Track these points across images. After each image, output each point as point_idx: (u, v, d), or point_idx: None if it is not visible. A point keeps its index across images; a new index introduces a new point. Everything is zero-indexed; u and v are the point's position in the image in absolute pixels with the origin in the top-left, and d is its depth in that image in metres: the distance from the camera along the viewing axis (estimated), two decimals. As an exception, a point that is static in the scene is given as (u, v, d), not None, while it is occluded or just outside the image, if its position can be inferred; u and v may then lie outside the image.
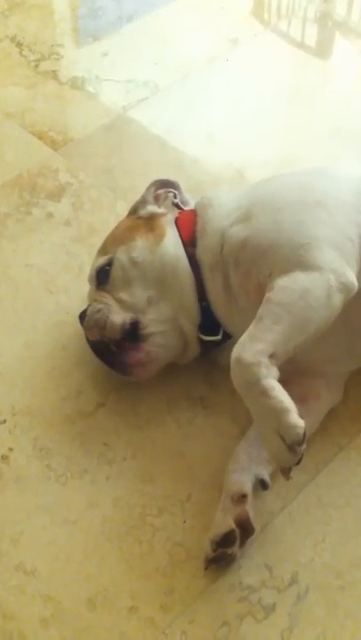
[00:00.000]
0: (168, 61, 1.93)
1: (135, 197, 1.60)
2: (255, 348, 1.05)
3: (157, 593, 1.08)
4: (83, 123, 1.77)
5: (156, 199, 1.33)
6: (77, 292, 1.40)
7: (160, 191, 1.34)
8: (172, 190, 1.34)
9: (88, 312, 1.24)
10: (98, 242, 1.48)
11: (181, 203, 1.32)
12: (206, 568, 1.09)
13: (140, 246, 1.26)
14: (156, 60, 1.92)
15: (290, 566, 1.10)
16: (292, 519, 1.15)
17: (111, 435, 1.24)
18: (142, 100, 1.82)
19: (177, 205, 1.32)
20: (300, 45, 2.02)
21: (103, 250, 1.32)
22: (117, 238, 1.31)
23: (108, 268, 1.26)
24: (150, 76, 1.88)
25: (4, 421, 1.25)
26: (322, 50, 2.05)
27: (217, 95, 1.85)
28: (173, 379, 1.31)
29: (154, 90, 1.85)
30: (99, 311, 1.22)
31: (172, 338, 1.24)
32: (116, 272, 1.25)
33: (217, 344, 1.25)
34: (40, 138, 1.72)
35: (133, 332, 1.21)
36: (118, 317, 1.21)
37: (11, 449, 1.22)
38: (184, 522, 1.14)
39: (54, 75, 1.88)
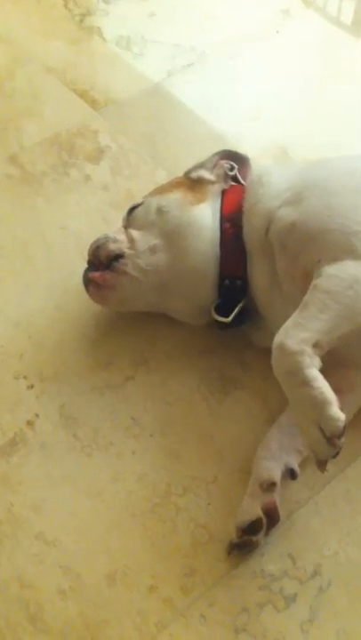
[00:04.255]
0: (216, 28, 1.87)
1: (175, 167, 1.56)
2: (300, 336, 1.02)
3: (178, 574, 1.06)
4: (125, 84, 1.71)
5: (214, 166, 1.30)
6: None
7: (222, 161, 1.31)
8: (232, 163, 1.30)
9: (99, 236, 1.28)
10: (135, 210, 1.46)
11: (242, 178, 1.28)
12: (229, 553, 1.08)
13: (172, 199, 1.26)
14: (205, 27, 1.86)
15: (313, 558, 1.09)
16: (318, 510, 1.13)
17: (139, 409, 1.22)
18: (187, 66, 1.77)
19: (233, 178, 1.28)
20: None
21: (146, 196, 1.33)
22: (160, 189, 1.32)
23: (136, 208, 1.28)
24: (197, 43, 1.82)
25: (32, 386, 1.23)
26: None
27: (264, 67, 1.79)
28: (205, 355, 1.28)
29: (200, 57, 1.79)
30: (105, 235, 1.26)
31: (141, 290, 1.23)
32: (140, 212, 1.27)
33: (224, 326, 1.22)
34: (81, 96, 1.68)
35: (112, 262, 1.22)
36: (114, 245, 1.23)
37: (37, 415, 1.20)
38: (208, 504, 1.12)
39: (99, 31, 1.82)
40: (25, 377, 1.24)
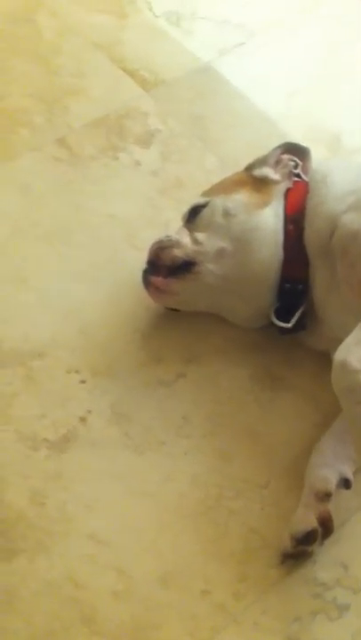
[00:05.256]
0: (267, 5, 1.80)
1: (225, 151, 1.53)
2: None
3: (231, 579, 1.06)
4: (175, 63, 1.66)
5: (277, 163, 1.27)
6: (162, 251, 1.35)
7: (285, 156, 1.27)
8: (296, 160, 1.26)
9: (161, 237, 1.25)
10: (184, 197, 1.43)
11: (303, 172, 1.25)
12: (283, 562, 1.07)
13: (239, 200, 1.22)
14: (255, 2, 1.80)
15: (366, 567, 1.09)
16: (369, 518, 1.13)
17: (190, 408, 1.20)
18: (238, 44, 1.71)
19: (298, 175, 1.24)
20: None
21: (207, 192, 1.30)
22: (223, 187, 1.28)
23: (202, 208, 1.25)
24: (247, 20, 1.75)
25: (84, 381, 1.22)
26: None
27: (318, 45, 1.73)
28: (255, 353, 1.26)
29: (250, 35, 1.72)
30: (169, 237, 1.23)
31: (204, 294, 1.21)
32: (205, 214, 1.24)
33: (288, 330, 1.20)
34: (130, 75, 1.63)
35: (182, 268, 1.20)
36: (180, 251, 1.21)
37: (89, 411, 1.19)
38: (262, 508, 1.12)
39: (148, 5, 1.76)
40: (77, 371, 1.22)
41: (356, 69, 1.68)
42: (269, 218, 1.20)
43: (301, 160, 1.27)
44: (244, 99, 1.61)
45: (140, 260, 1.34)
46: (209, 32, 1.73)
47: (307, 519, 1.07)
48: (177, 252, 1.20)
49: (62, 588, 1.04)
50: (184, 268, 1.20)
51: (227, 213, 1.21)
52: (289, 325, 1.18)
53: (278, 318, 1.18)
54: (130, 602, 1.03)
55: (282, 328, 1.19)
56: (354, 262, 1.09)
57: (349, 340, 1.02)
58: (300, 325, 1.18)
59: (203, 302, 1.23)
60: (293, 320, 1.17)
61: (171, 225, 1.38)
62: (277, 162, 1.29)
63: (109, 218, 1.41)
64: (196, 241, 1.21)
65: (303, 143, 1.50)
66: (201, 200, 1.27)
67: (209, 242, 1.20)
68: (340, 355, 1.01)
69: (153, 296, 1.24)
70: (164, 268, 1.21)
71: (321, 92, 1.63)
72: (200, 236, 1.21)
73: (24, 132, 1.52)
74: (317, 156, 1.35)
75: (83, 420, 1.18)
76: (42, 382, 1.21)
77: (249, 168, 1.30)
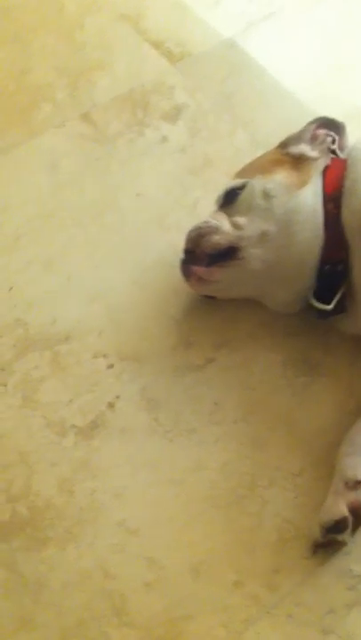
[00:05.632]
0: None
1: (256, 129, 1.48)
2: None
3: (264, 570, 1.03)
4: (202, 36, 1.60)
5: (313, 139, 1.22)
6: (191, 233, 1.31)
7: (320, 131, 1.22)
8: (333, 134, 1.21)
9: (198, 223, 1.20)
10: (214, 176, 1.39)
11: (339, 149, 1.20)
12: (315, 552, 1.05)
13: (278, 181, 1.17)
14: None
15: None
16: None
17: (222, 393, 1.17)
18: (265, 17, 1.64)
19: (333, 152, 1.20)
20: None
21: (240, 174, 1.24)
22: (259, 167, 1.22)
23: (238, 191, 1.19)
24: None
25: (112, 366, 1.19)
26: None
27: (346, 20, 1.66)
28: (288, 338, 1.22)
29: (278, 8, 1.67)
30: (208, 223, 1.18)
31: (253, 280, 1.16)
32: (244, 196, 1.18)
33: (327, 313, 1.15)
34: (156, 48, 1.58)
35: (225, 255, 1.15)
36: (222, 237, 1.16)
37: (118, 397, 1.16)
38: (295, 497, 1.09)
39: (174, -25, 1.71)
40: (104, 355, 1.19)
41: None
42: (309, 197, 1.15)
43: (337, 135, 1.22)
44: (272, 75, 1.55)
45: (168, 243, 1.31)
46: (235, 4, 1.66)
47: (337, 507, 1.04)
48: (219, 239, 1.15)
49: (92, 578, 1.02)
50: (227, 254, 1.15)
51: (267, 195, 1.16)
52: (330, 307, 1.13)
53: (318, 301, 1.15)
54: (161, 592, 1.01)
55: (321, 311, 1.14)
56: None
57: None
58: (340, 307, 1.14)
59: (244, 289, 1.19)
60: (334, 302, 1.13)
61: (199, 205, 1.34)
62: (313, 138, 1.24)
63: (137, 197, 1.37)
64: (236, 225, 1.16)
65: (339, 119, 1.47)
66: (236, 182, 1.22)
67: (251, 225, 1.15)
68: None
69: (194, 286, 1.19)
70: (205, 255, 1.16)
71: (356, 70, 1.57)
72: (240, 219, 1.16)
73: (47, 107, 1.48)
74: (352, 134, 1.30)
75: (111, 405, 1.15)
76: (69, 367, 1.19)
77: (283, 145, 1.25)
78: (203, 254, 1.16)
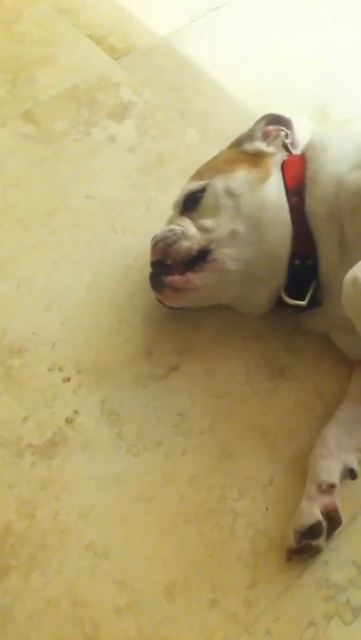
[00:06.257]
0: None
1: (207, 125, 1.44)
2: None
3: (240, 585, 1.00)
4: (146, 29, 1.56)
5: (265, 136, 1.18)
6: (145, 235, 1.24)
7: (271, 127, 1.19)
8: (284, 129, 1.18)
9: (161, 231, 1.14)
10: (167, 175, 1.34)
11: (291, 145, 1.17)
12: (289, 559, 1.01)
13: (240, 178, 1.13)
14: None
15: (379, 565, 1.03)
16: (380, 512, 1.08)
17: (186, 403, 1.13)
18: (212, 10, 1.61)
19: (286, 147, 1.17)
20: None
21: (197, 176, 1.19)
22: (216, 167, 1.18)
23: (200, 194, 1.14)
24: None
25: (68, 379, 1.13)
26: None
27: (296, 13, 1.64)
28: (251, 341, 1.19)
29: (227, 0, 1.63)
30: (173, 231, 1.12)
31: (230, 282, 1.11)
32: (207, 199, 1.14)
33: (299, 309, 1.13)
34: (98, 43, 1.52)
35: (198, 259, 1.10)
36: (188, 242, 1.10)
37: (76, 411, 1.10)
38: (267, 509, 1.05)
39: (114, -33, 1.65)
40: (60, 368, 1.13)
41: (343, 41, 1.60)
42: (273, 191, 1.11)
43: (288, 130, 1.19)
44: (225, 67, 1.52)
45: (122, 245, 1.26)
46: (180, -5, 1.63)
47: (310, 512, 1.01)
48: (189, 245, 1.10)
49: (61, 606, 0.96)
50: (200, 258, 1.10)
51: (231, 194, 1.12)
52: (304, 303, 1.10)
53: (290, 297, 1.11)
54: (135, 616, 0.96)
55: (295, 307, 1.11)
56: None
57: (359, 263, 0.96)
58: (314, 302, 1.11)
59: (221, 294, 1.14)
60: (308, 297, 1.09)
61: (153, 205, 1.30)
62: (265, 134, 1.21)
63: (87, 199, 1.31)
64: (204, 229, 1.11)
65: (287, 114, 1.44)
66: (195, 185, 1.17)
67: (220, 227, 1.11)
68: (351, 274, 0.94)
69: (170, 298, 1.12)
70: (178, 264, 1.10)
71: (302, 60, 1.55)
72: (207, 222, 1.12)
73: (-16, 105, 1.41)
74: (303, 127, 1.27)
75: (70, 421, 1.09)
76: (23, 382, 1.12)
77: (236, 144, 1.21)
78: (175, 263, 1.11)
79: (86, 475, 1.05)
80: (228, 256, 1.10)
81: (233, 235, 1.10)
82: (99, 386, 1.13)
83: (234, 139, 1.25)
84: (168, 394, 1.13)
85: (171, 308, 1.16)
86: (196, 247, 1.10)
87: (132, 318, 1.20)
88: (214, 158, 1.22)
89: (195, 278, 1.10)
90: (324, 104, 1.48)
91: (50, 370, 1.13)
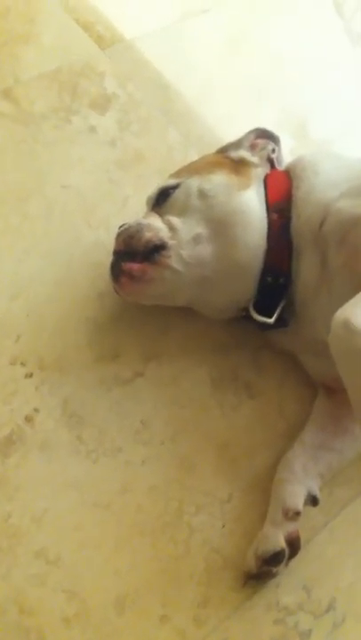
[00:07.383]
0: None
1: (190, 126, 1.42)
2: None
3: (191, 602, 0.98)
4: (136, 20, 1.51)
5: (252, 147, 1.17)
6: (120, 232, 1.22)
7: (259, 140, 1.17)
8: (273, 144, 1.16)
9: (127, 223, 1.12)
10: (145, 173, 1.31)
11: (276, 160, 1.16)
12: (245, 583, 1.01)
13: (217, 181, 1.11)
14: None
15: (328, 590, 1.03)
16: (333, 537, 1.07)
17: (149, 410, 1.10)
18: (203, 11, 1.58)
19: (271, 162, 1.15)
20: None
21: (176, 174, 1.17)
22: (196, 168, 1.15)
23: (172, 190, 1.12)
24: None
25: (30, 375, 1.08)
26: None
27: (289, 17, 1.62)
28: (219, 353, 1.17)
29: (217, 1, 1.60)
30: (138, 222, 1.10)
31: (180, 284, 1.09)
32: (178, 196, 1.11)
33: (266, 326, 1.11)
34: (85, 29, 1.46)
35: (152, 253, 1.07)
36: (151, 234, 1.08)
37: (36, 410, 1.06)
38: (223, 526, 1.04)
39: None
40: (22, 363, 1.09)
41: (327, 55, 1.60)
42: (252, 201, 1.09)
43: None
44: (213, 67, 1.49)
45: (95, 241, 1.22)
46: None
47: (275, 539, 1.00)
48: (151, 236, 1.07)
49: (6, 614, 0.92)
50: (158, 251, 1.07)
51: (204, 195, 1.09)
52: (271, 321, 1.08)
53: (257, 313, 1.09)
54: (82, 628, 0.93)
55: (262, 323, 1.09)
56: (357, 247, 1.00)
57: (350, 302, 0.92)
58: (281, 321, 1.09)
59: (178, 295, 1.10)
60: (275, 315, 1.08)
61: (129, 203, 1.26)
62: (253, 146, 1.19)
63: (63, 189, 1.26)
64: (169, 224, 1.09)
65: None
66: (170, 182, 1.15)
67: (185, 227, 1.08)
68: (340, 315, 0.90)
69: (125, 287, 1.08)
70: (137, 254, 1.07)
71: (289, 72, 1.53)
72: (174, 219, 1.09)
73: None
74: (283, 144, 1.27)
75: (29, 419, 1.05)
76: (-19, 373, 1.08)
77: (222, 151, 1.19)
78: (135, 253, 1.08)
79: (42, 477, 1.02)
80: (179, 257, 1.07)
81: (196, 238, 1.07)
82: (62, 385, 1.09)
83: (216, 144, 1.23)
84: (132, 399, 1.10)
85: (126, 299, 1.12)
86: (154, 240, 1.07)
87: (100, 317, 1.16)
88: (198, 160, 1.20)
89: (150, 269, 1.06)
90: (305, 121, 1.48)
91: (12, 364, 1.08)
